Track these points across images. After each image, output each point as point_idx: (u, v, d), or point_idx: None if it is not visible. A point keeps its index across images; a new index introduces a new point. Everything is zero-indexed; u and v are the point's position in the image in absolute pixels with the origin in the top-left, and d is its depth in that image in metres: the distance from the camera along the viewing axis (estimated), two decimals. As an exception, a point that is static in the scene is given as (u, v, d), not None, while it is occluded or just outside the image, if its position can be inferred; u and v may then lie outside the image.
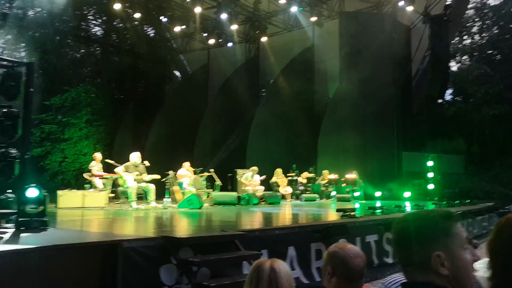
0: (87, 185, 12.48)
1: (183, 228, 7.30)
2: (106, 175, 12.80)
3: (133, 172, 11.09)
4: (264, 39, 22.17)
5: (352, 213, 8.37)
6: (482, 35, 28.11)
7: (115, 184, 12.43)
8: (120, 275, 4.39)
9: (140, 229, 7.07)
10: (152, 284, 4.62)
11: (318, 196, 17.41)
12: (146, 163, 11.62)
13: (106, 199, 11.70)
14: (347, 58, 19.05)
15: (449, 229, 1.39)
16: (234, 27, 21.21)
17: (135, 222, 8.03)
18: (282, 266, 2.10)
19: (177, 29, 21.06)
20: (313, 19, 20.61)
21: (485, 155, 23.34)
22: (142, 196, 11.76)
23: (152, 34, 27.89)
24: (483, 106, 23.23)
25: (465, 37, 28.56)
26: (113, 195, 12.58)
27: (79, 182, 17.17)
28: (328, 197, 17.31)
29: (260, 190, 14.92)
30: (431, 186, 18.20)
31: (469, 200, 15.75)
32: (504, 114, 22.64)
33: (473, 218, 12.06)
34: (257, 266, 2.08)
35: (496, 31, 27.01)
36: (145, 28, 26.99)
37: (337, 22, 20.11)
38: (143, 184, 11.24)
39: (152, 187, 11.36)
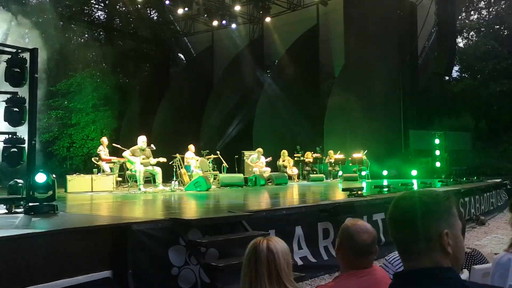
0: (95, 170, 12.61)
1: (191, 210, 7.36)
2: (113, 159, 12.90)
3: (139, 156, 11.18)
4: (268, 19, 21.95)
5: (359, 192, 8.39)
6: (489, 9, 27.66)
7: (122, 168, 12.55)
8: (130, 257, 4.46)
9: (149, 211, 7.14)
10: (162, 265, 4.70)
11: (325, 176, 17.44)
12: (153, 146, 11.75)
13: (114, 183, 11.82)
14: (352, 36, 18.84)
15: (451, 208, 1.36)
16: (238, 7, 21.01)
17: (144, 205, 8.10)
18: (278, 244, 2.13)
19: (180, 11, 20.88)
20: (317, -3, 20.39)
21: (493, 131, 23.21)
22: (150, 180, 11.88)
23: (155, 17, 27.73)
24: (490, 82, 22.98)
25: (472, 13, 28.12)
26: (120, 179, 12.70)
27: (88, 167, 17.31)
28: (335, 176, 17.33)
29: (267, 171, 14.98)
30: (438, 164, 18.16)
31: (476, 177, 15.73)
32: (512, 90, 22.44)
33: (480, 195, 12.07)
34: (254, 247, 2.11)
35: (504, 6, 26.54)
36: (148, 11, 26.82)
37: (342, 0, 19.85)
38: (150, 168, 11.36)
39: (158, 170, 11.48)
